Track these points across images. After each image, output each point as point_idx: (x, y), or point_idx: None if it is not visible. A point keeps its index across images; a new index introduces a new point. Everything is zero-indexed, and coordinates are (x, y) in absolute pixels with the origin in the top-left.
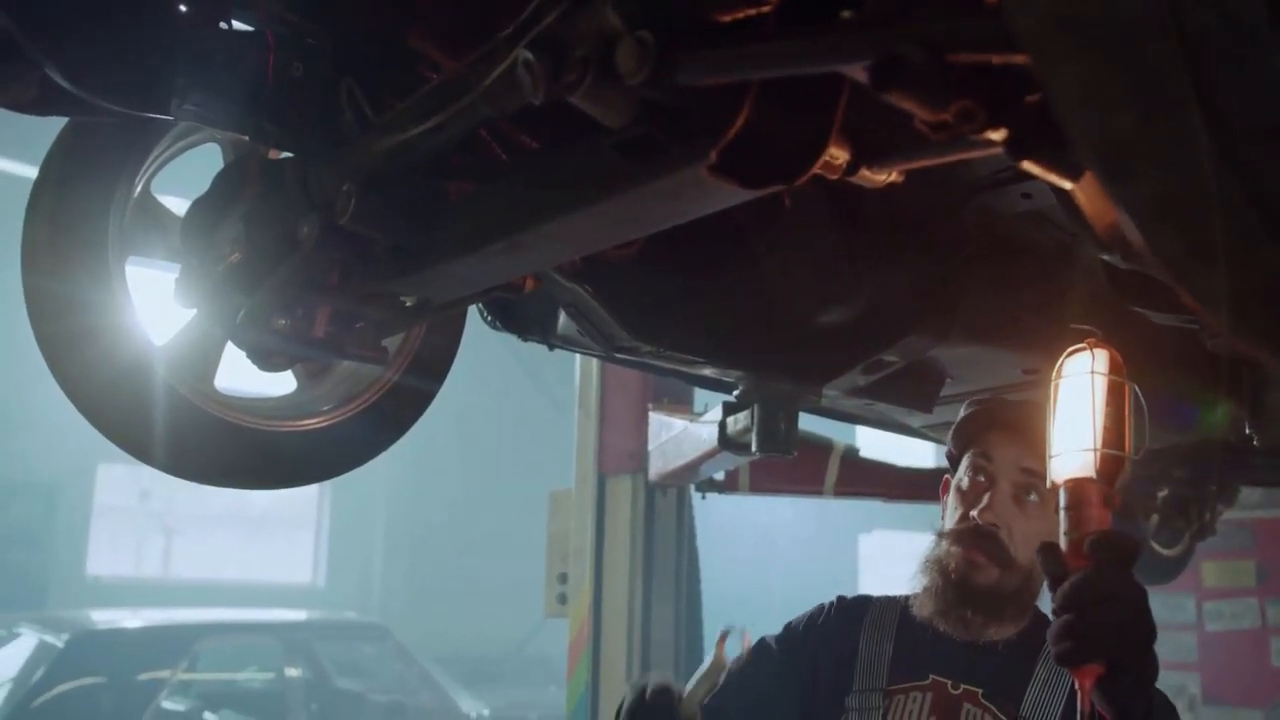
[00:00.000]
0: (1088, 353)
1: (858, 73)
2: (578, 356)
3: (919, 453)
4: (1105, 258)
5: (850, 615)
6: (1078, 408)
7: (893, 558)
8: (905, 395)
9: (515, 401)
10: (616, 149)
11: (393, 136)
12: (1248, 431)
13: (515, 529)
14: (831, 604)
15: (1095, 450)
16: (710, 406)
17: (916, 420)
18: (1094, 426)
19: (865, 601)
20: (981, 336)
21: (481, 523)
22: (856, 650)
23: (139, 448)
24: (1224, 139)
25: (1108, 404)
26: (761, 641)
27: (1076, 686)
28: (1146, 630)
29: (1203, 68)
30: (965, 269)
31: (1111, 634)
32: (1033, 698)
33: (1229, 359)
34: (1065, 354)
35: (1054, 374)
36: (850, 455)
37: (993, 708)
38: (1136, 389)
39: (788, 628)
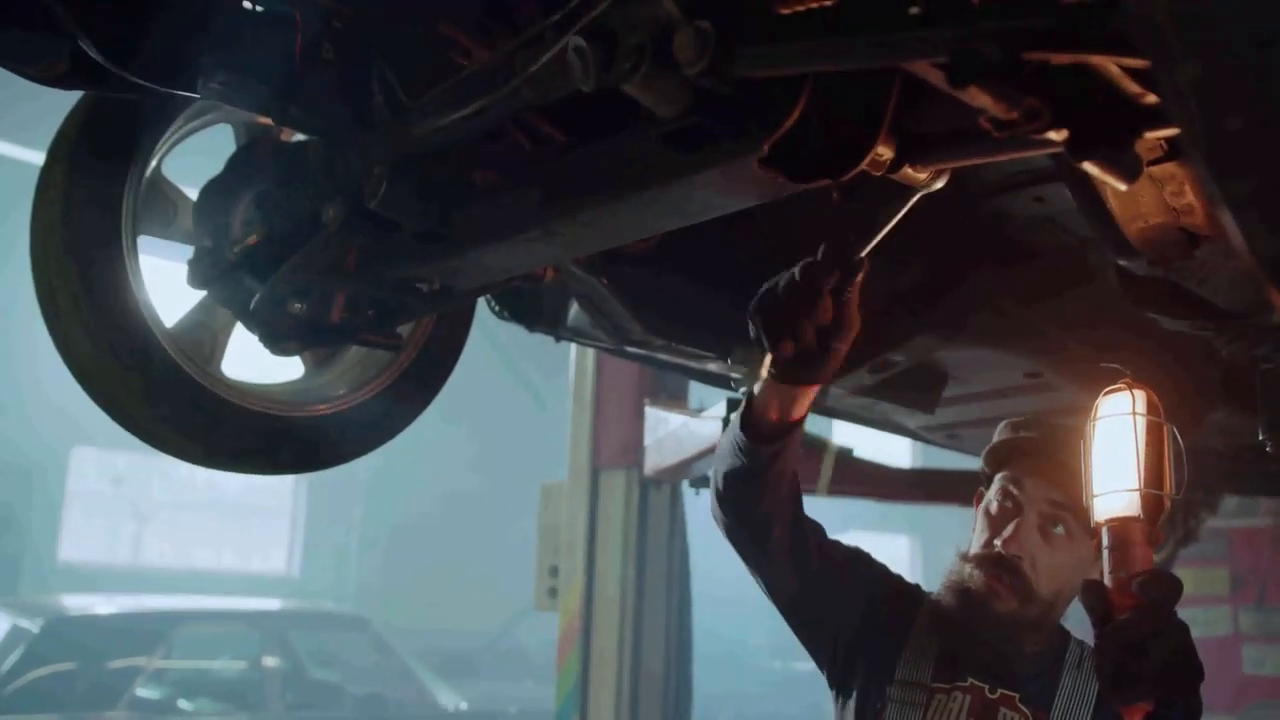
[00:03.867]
0: (1125, 393)
1: (925, 69)
2: (571, 351)
3: (894, 453)
4: (1122, 263)
5: (909, 599)
6: (1119, 448)
7: None
8: (909, 395)
9: (495, 395)
10: (666, 139)
11: (430, 121)
12: (1261, 438)
13: (492, 522)
14: (900, 576)
15: (1139, 490)
16: (706, 402)
17: (916, 421)
18: (1138, 467)
19: (920, 592)
20: (987, 339)
21: (457, 515)
22: (906, 639)
23: (146, 431)
24: None
25: (1147, 444)
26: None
27: None
28: (1194, 669)
29: None
30: (974, 271)
31: (1162, 673)
32: (1061, 706)
33: (1244, 365)
34: (1102, 394)
35: (1091, 415)
36: (844, 455)
37: (1027, 712)
38: (1175, 430)
39: (880, 564)
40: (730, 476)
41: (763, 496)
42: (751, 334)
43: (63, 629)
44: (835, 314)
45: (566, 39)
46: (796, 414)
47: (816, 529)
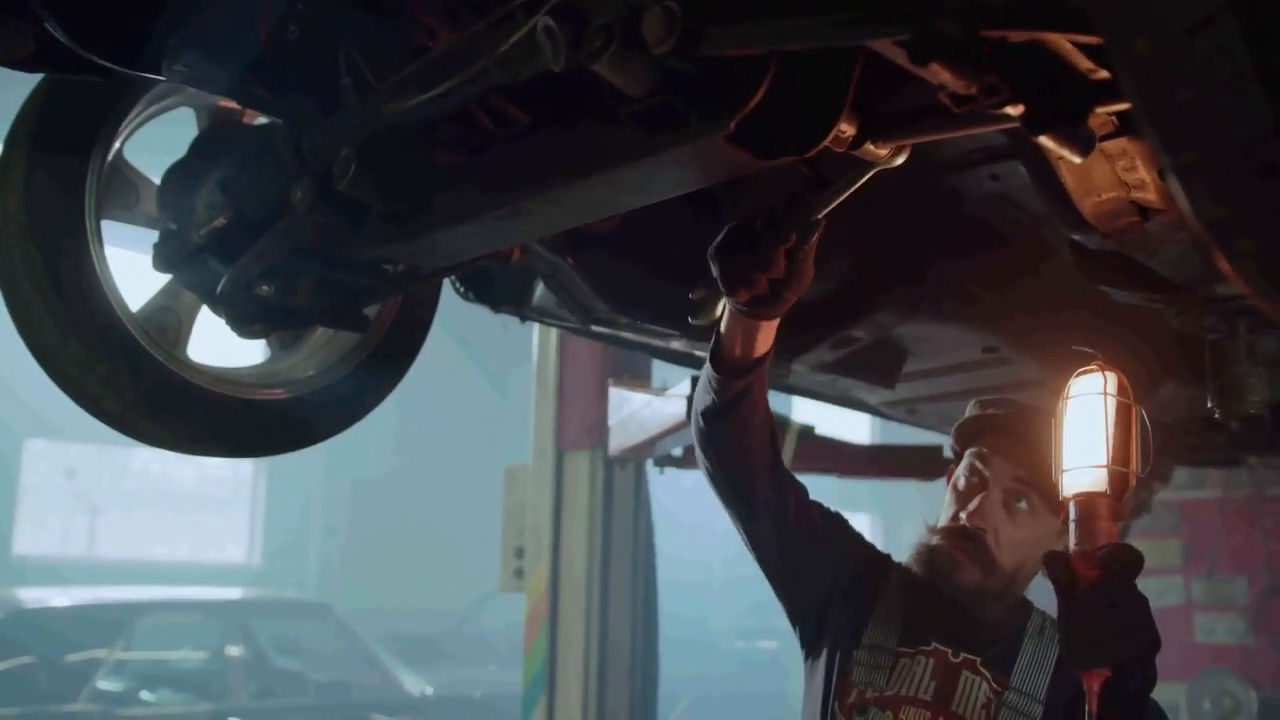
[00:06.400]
0: (1097, 374)
1: (888, 47)
2: (534, 333)
3: (853, 431)
4: (1076, 238)
5: (880, 566)
6: (1088, 426)
7: None
8: (870, 371)
9: (453, 381)
10: (633, 118)
11: (398, 102)
12: (1210, 406)
13: (452, 507)
14: (873, 545)
15: (1106, 467)
16: (669, 381)
17: (876, 397)
18: (1106, 445)
19: (889, 561)
20: (944, 314)
21: (417, 501)
22: (875, 605)
23: (112, 416)
24: None
25: (1116, 424)
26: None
27: (1085, 688)
28: (1152, 638)
29: (1262, 46)
30: (931, 248)
31: (1121, 640)
32: (1021, 670)
33: (1198, 336)
34: (1074, 375)
35: (1063, 394)
36: (806, 433)
37: (988, 676)
38: (1143, 411)
39: (856, 531)
40: (706, 414)
41: (738, 435)
42: (713, 273)
43: (21, 622)
44: (789, 267)
45: (536, 19)
46: (760, 349)
47: (798, 488)
